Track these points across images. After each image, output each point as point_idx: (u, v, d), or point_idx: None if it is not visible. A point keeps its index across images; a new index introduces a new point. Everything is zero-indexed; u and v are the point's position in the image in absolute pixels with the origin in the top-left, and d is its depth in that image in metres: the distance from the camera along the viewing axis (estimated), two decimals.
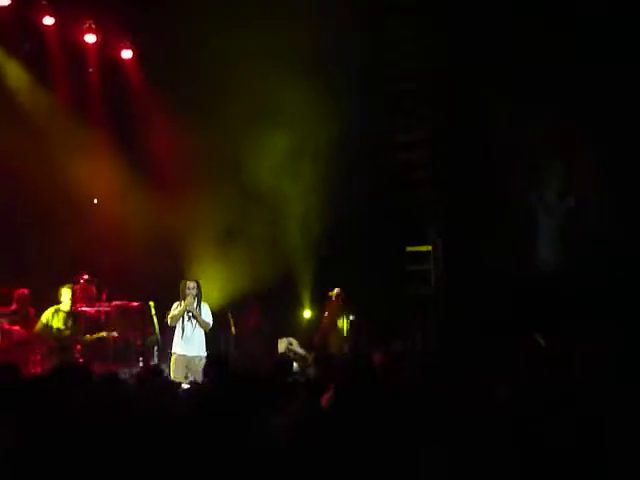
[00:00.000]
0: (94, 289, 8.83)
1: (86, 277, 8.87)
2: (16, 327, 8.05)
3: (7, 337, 7.99)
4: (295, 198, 9.79)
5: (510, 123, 9.69)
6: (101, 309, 8.80)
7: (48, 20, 9.36)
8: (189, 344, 7.05)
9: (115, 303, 8.86)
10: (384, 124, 10.36)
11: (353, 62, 9.41)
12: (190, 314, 7.05)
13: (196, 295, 7.06)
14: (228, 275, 9.25)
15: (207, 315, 7.19)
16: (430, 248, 9.98)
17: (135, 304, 8.97)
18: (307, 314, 10.13)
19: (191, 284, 7.07)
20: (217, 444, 2.79)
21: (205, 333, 7.16)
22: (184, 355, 7.00)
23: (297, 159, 9.68)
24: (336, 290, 9.21)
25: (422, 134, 10.23)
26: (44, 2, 9.29)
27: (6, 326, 8.05)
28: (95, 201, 9.97)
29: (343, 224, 9.59)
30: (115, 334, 8.44)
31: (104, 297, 8.85)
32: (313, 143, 9.53)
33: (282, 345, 8.65)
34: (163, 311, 7.76)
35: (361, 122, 9.75)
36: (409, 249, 10.05)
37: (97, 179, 9.61)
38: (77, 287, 8.54)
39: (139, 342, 8.82)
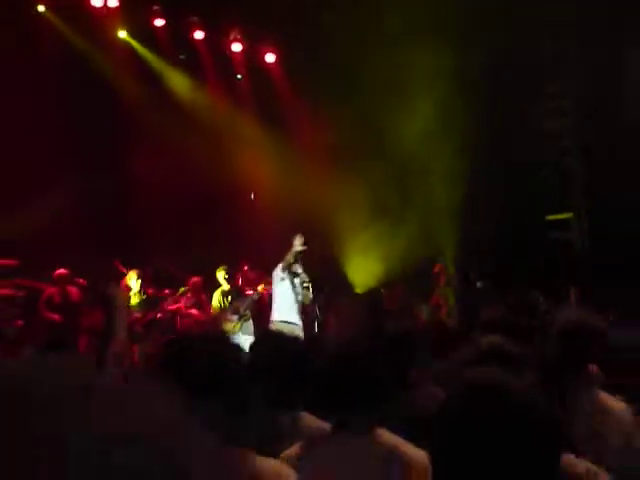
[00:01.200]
0: (254, 275, 9.91)
1: (246, 268, 9.83)
2: (193, 310, 9.29)
3: (187, 318, 9.28)
4: (438, 173, 10.22)
5: None
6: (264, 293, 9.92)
7: (199, 34, 10.74)
8: None
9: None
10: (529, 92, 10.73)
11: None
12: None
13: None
14: (377, 253, 9.98)
15: None
16: (572, 215, 10.17)
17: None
18: None
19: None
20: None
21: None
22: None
23: (441, 132, 10.09)
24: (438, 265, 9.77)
25: (567, 103, 10.43)
26: (194, 19, 10.66)
27: (183, 308, 9.29)
28: (252, 195, 11.13)
29: (486, 196, 10.05)
30: None
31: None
32: (455, 115, 9.87)
33: None
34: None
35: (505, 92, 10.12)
36: (550, 217, 10.33)
37: (256, 171, 10.75)
38: (239, 274, 9.64)
39: None
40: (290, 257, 7.78)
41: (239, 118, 11.10)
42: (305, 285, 8.17)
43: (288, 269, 7.94)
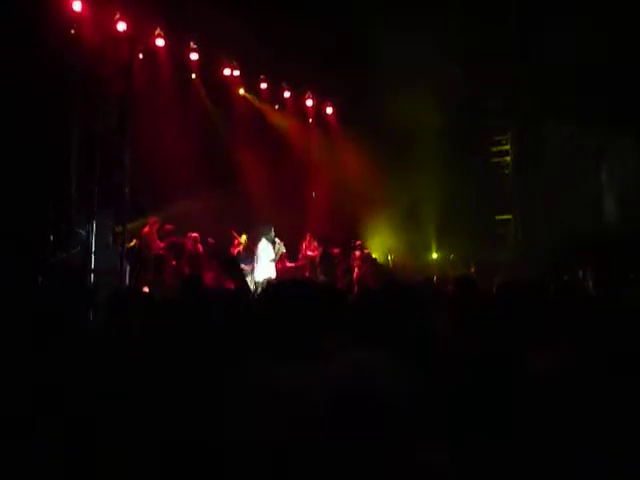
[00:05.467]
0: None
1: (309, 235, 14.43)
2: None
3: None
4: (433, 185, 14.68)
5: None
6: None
7: (287, 93, 16.02)
8: None
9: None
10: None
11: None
12: None
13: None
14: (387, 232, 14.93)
15: None
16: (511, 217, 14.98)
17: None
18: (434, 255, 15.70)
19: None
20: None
21: None
22: None
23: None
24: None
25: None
26: (284, 85, 15.92)
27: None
28: (313, 194, 15.70)
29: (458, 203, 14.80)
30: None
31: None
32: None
33: None
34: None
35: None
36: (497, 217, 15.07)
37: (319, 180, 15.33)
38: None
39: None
40: None
41: (313, 150, 15.65)
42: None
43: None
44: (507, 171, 15.24)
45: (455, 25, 12.85)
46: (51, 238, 10.52)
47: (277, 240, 12.69)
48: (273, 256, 12.26)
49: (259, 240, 12.32)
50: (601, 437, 2.31)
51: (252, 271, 12.24)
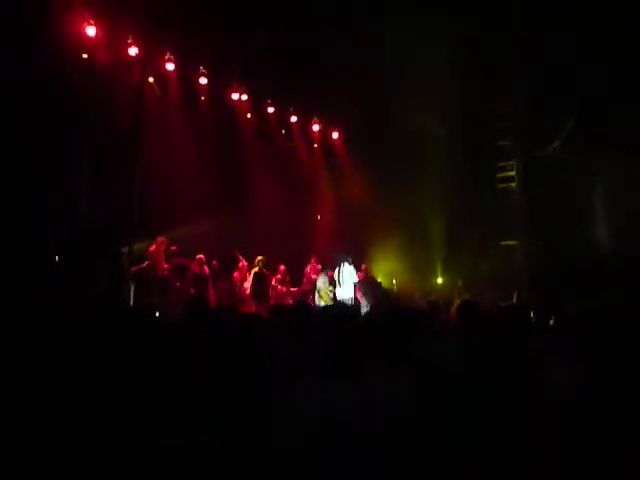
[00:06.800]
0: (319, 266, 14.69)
1: (314, 259, 14.44)
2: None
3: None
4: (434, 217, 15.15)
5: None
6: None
7: (293, 118, 16.07)
8: None
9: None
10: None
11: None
12: None
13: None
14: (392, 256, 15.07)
15: None
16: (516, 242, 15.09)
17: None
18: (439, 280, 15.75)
19: None
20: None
21: None
22: None
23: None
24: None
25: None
26: (291, 109, 16.17)
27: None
28: (319, 217, 15.91)
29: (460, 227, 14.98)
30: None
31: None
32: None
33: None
34: None
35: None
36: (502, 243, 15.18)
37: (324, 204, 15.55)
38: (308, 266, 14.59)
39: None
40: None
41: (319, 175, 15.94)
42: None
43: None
44: (512, 197, 15.36)
45: (459, 49, 13.04)
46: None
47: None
48: (356, 279, 12.94)
49: (342, 265, 12.89)
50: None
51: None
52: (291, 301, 13.28)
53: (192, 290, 12.27)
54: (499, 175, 15.71)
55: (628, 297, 6.98)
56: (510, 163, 15.59)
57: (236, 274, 13.52)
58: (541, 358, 3.21)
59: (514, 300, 12.56)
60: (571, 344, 3.38)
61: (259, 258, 13.11)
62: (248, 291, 13.10)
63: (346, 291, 12.82)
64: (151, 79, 13.15)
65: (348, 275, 12.88)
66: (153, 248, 12.11)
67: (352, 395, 2.17)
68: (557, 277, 12.60)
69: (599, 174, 14.04)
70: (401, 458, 1.97)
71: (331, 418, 2.07)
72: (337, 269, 12.89)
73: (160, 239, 12.11)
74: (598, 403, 2.52)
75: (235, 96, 14.51)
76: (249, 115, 15.16)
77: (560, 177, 13.76)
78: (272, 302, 12.59)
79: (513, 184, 15.58)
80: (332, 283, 13.09)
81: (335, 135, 16.66)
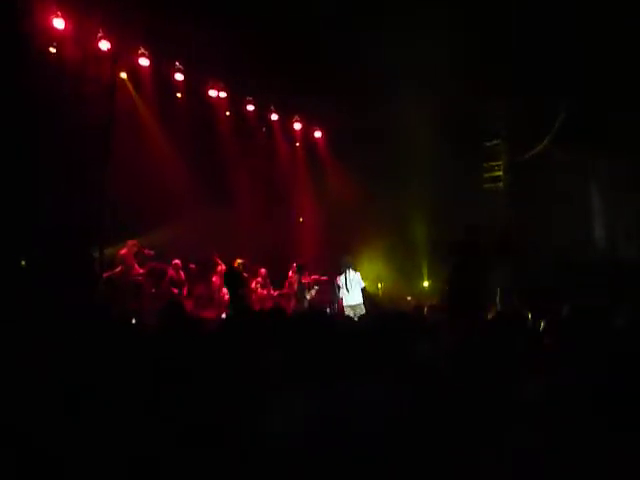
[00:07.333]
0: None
1: (295, 265, 13.77)
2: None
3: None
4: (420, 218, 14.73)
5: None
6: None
7: (273, 116, 15.82)
8: None
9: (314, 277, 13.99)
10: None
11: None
12: None
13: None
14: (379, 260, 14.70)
15: None
16: None
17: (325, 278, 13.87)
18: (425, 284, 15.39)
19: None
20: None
21: None
22: None
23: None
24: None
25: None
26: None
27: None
28: (300, 219, 15.49)
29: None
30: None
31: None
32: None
33: None
34: None
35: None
36: None
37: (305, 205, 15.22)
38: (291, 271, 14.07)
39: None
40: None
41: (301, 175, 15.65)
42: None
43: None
44: (499, 197, 15.03)
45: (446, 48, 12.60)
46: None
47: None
48: (363, 284, 12.51)
49: (346, 269, 12.43)
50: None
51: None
52: (271, 304, 12.92)
53: (168, 296, 11.84)
54: (486, 175, 15.36)
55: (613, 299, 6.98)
56: (498, 163, 15.25)
57: (215, 278, 13.10)
58: (529, 360, 3.23)
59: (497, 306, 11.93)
60: (562, 345, 3.45)
61: (239, 261, 12.63)
62: (227, 296, 12.60)
63: (354, 297, 12.44)
64: (124, 74, 12.57)
65: (356, 281, 12.54)
66: (124, 251, 11.61)
67: (338, 397, 2.25)
68: (547, 278, 12.27)
69: (588, 173, 13.88)
70: (388, 458, 2.02)
71: (318, 419, 2.13)
72: (343, 275, 12.50)
73: (131, 242, 11.61)
74: (587, 404, 2.52)
75: (213, 93, 14.04)
76: (228, 113, 14.75)
77: (548, 177, 13.52)
78: (254, 306, 12.26)
79: (500, 184, 15.25)
80: (337, 288, 12.64)
81: (318, 134, 16.30)
